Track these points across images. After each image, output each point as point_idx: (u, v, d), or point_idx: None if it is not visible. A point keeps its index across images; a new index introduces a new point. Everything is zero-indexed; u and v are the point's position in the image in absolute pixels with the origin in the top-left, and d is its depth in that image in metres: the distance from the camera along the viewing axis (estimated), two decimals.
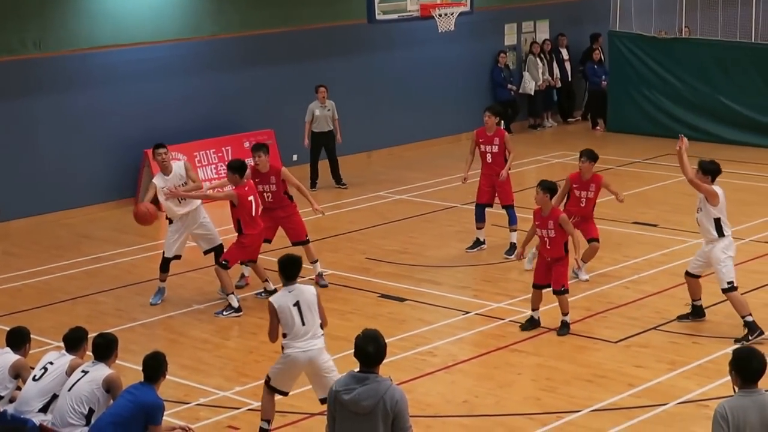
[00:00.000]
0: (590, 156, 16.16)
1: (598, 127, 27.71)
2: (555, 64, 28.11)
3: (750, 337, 13.69)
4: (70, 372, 10.56)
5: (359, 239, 18.80)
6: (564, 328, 14.15)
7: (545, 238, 14.13)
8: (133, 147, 21.15)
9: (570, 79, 28.45)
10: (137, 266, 17.66)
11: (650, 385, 12.60)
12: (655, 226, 18.74)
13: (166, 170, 15.70)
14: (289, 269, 11.03)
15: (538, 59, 27.62)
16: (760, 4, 26.74)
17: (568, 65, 28.40)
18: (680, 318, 14.54)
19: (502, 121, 18.34)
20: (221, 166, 21.79)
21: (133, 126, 21.24)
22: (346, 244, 18.56)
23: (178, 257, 15.96)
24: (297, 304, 10.94)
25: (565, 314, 14.18)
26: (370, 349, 8.12)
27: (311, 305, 11.02)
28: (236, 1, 22.46)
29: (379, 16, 18.62)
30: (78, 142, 20.77)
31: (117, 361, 10.80)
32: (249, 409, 12.24)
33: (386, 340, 8.31)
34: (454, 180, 22.54)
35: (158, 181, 15.66)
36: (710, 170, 13.76)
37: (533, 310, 14.36)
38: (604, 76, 27.62)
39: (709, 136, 25.17)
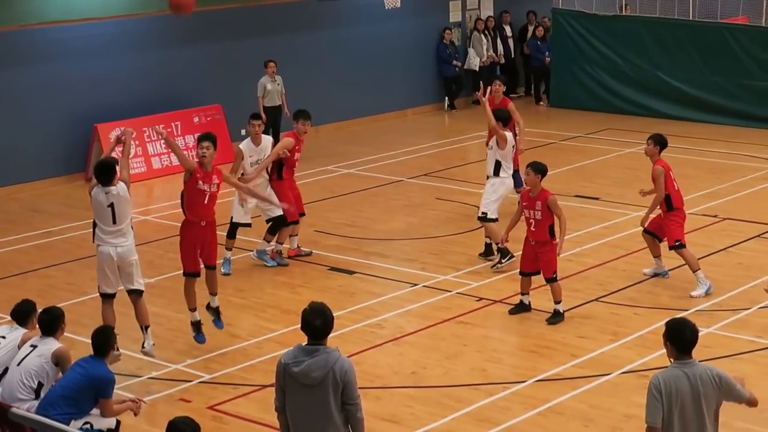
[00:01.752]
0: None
1: (541, 102, 28.13)
2: (499, 41, 28.45)
3: (503, 261, 15.67)
4: (21, 345, 10.60)
5: (308, 213, 18.90)
6: (557, 317, 13.96)
7: (531, 220, 13.99)
8: (82, 122, 21.27)
9: (513, 55, 28.82)
10: (87, 240, 17.48)
11: (593, 356, 12.95)
12: (596, 199, 19.15)
13: (256, 141, 16.15)
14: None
15: (482, 36, 27.95)
16: None
17: (511, 42, 28.77)
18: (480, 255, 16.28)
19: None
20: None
21: (83, 101, 21.34)
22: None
23: (248, 225, 16.27)
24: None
25: (557, 302, 14.01)
26: (317, 323, 8.28)
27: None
28: None
29: None
30: (27, 118, 20.85)
31: (69, 335, 10.90)
32: (201, 382, 12.47)
33: (336, 313, 8.56)
34: (400, 154, 22.91)
35: (245, 148, 16.06)
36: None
37: (522, 294, 14.30)
38: (547, 53, 28.02)
39: (649, 111, 25.68)
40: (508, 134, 15.98)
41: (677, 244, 14.88)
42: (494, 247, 16.04)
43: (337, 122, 25.37)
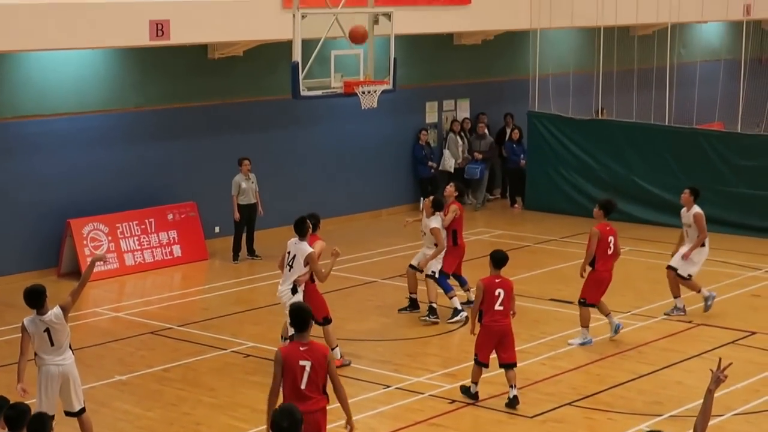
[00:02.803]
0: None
1: (516, 205, 28.21)
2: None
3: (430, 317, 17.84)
4: None
5: (280, 312, 18.79)
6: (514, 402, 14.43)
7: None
8: (55, 217, 21.18)
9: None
10: None
11: None
12: (570, 303, 19.08)
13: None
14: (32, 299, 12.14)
15: (458, 137, 28.09)
16: (674, 87, 27.52)
17: None
18: (400, 310, 18.40)
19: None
20: (144, 238, 21.89)
21: (56, 196, 21.27)
22: (268, 316, 18.67)
23: None
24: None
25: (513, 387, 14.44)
26: (284, 424, 8.21)
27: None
28: (161, 73, 22.65)
29: (303, 92, 18.79)
30: (0, 211, 20.74)
31: None
32: None
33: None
34: (375, 255, 22.85)
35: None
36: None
37: (476, 382, 14.72)
38: (522, 155, 28.17)
39: (624, 215, 25.67)
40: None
41: (582, 301, 16.88)
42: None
43: None
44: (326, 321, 15.98)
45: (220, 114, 23.62)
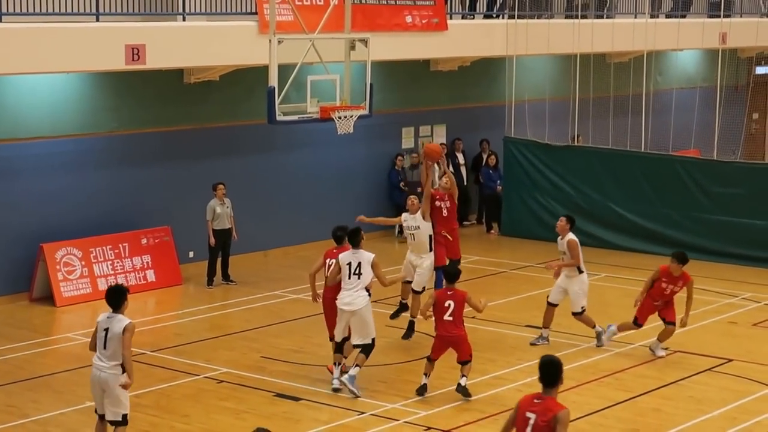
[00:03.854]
0: (679, 258, 17.48)
1: (492, 231, 28.15)
2: (451, 168, 28.52)
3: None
4: None
5: (254, 338, 18.79)
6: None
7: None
8: (28, 241, 20.98)
9: (465, 183, 28.88)
10: (30, 362, 17.42)
11: None
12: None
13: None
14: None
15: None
16: (650, 114, 27.57)
17: (463, 169, 28.86)
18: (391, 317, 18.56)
19: None
20: (117, 262, 21.72)
21: (30, 220, 21.08)
22: (242, 342, 18.52)
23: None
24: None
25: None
26: None
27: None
28: (136, 98, 22.53)
29: (279, 117, 18.73)
30: None
31: None
32: None
33: None
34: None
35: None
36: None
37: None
38: (498, 181, 28.14)
39: (600, 242, 25.70)
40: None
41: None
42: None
43: (286, 247, 25.21)
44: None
45: (195, 139, 23.49)
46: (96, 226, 21.76)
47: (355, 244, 16.14)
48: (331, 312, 16.23)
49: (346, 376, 15.76)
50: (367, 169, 26.89)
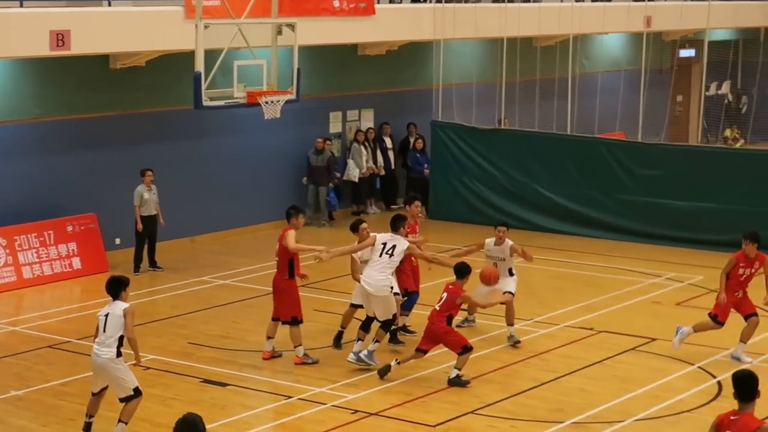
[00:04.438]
0: (752, 237, 16.88)
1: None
2: (379, 152, 28.61)
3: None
4: None
5: (182, 324, 18.74)
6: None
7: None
8: None
9: (393, 166, 28.97)
10: None
11: None
12: (475, 311, 19.13)
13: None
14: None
15: (362, 147, 28.07)
16: (576, 97, 27.81)
17: (391, 153, 28.94)
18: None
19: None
20: (42, 250, 21.53)
21: None
22: (169, 329, 18.47)
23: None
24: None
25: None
26: None
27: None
28: (61, 84, 22.30)
29: (206, 103, 18.69)
30: None
31: None
32: None
33: (208, 426, 8.34)
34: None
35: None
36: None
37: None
38: (426, 165, 28.24)
39: (527, 224, 25.90)
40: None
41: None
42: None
43: (214, 232, 25.14)
44: (295, 321, 16.31)
45: (122, 125, 23.33)
46: (21, 214, 21.55)
47: (394, 229, 16.41)
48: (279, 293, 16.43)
49: (365, 351, 16.14)
50: (294, 153, 26.83)
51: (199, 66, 18.32)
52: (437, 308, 15.61)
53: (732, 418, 9.16)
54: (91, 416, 13.48)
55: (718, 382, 15.78)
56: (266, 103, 19.58)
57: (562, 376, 15.95)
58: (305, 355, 16.42)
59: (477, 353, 16.75)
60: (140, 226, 21.96)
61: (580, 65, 31.34)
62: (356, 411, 14.56)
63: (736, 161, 24.94)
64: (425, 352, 15.72)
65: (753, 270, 16.93)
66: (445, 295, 15.61)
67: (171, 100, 23.84)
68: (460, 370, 15.53)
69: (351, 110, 28.53)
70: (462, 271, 15.73)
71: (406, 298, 17.31)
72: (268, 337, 16.69)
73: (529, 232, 25.17)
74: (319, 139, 26.79)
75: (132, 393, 13.16)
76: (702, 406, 14.85)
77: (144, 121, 23.66)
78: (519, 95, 29.04)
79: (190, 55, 18.88)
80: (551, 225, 25.90)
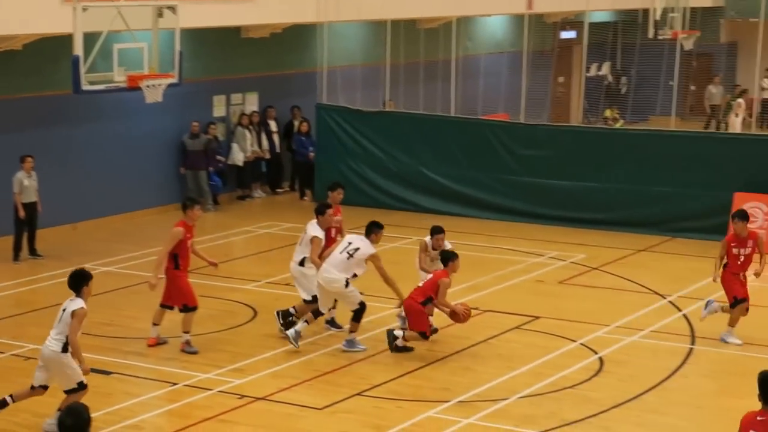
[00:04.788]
0: (741, 216, 16.84)
1: (305, 197, 28.21)
2: (263, 136, 28.48)
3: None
4: None
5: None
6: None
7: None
8: None
9: (278, 150, 28.86)
10: None
11: None
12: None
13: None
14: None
15: (246, 131, 27.91)
16: (459, 80, 27.98)
17: (276, 137, 28.83)
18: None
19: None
20: None
21: None
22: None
23: None
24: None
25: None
26: (68, 422, 8.03)
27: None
28: None
29: (85, 87, 18.43)
30: None
31: None
32: None
33: (93, 414, 8.23)
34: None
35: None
36: None
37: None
38: (311, 148, 28.19)
39: (413, 205, 26.04)
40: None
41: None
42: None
43: (96, 219, 24.81)
44: (185, 308, 16.22)
45: None
46: None
47: (367, 234, 16.61)
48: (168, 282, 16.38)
49: (344, 341, 16.40)
50: (178, 138, 26.58)
51: (78, 50, 18.06)
52: (420, 286, 16.09)
53: (759, 419, 9.05)
54: (13, 400, 13.32)
55: (600, 358, 16.06)
56: (148, 87, 19.40)
57: (448, 356, 16.08)
58: (186, 342, 16.24)
59: (363, 334, 16.79)
60: (22, 213, 21.55)
61: (464, 47, 31.55)
62: (243, 396, 14.50)
63: (616, 141, 25.33)
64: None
65: (749, 249, 16.80)
66: (430, 276, 16.08)
67: (50, 85, 23.43)
68: (407, 341, 16.07)
69: (235, 94, 28.34)
70: (447, 257, 16.13)
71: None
72: (154, 324, 16.55)
73: (415, 213, 25.30)
74: (195, 123, 26.53)
75: (76, 386, 12.93)
76: (584, 381, 15.10)
77: (22, 107, 23.22)
78: (403, 77, 29.16)
79: (68, 39, 18.60)
80: (437, 206, 26.04)
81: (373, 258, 16.27)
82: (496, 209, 25.69)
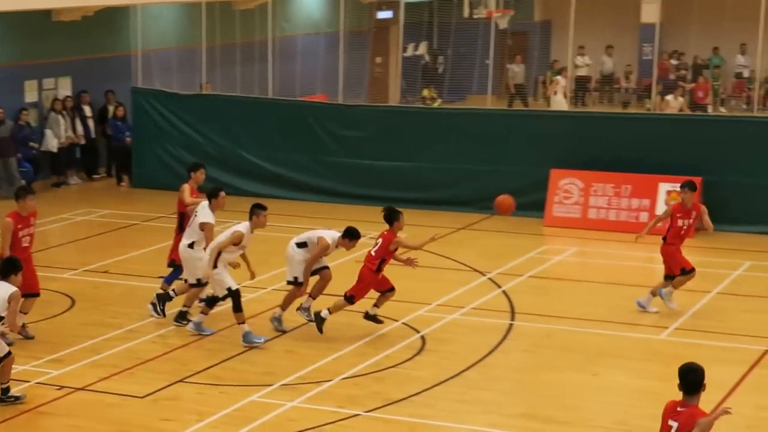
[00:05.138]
0: (691, 186, 16.98)
1: (122, 183, 27.77)
2: (78, 121, 27.90)
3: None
4: None
5: None
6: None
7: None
8: None
9: (93, 135, 28.31)
10: None
11: None
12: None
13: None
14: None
15: (60, 116, 27.29)
16: (277, 62, 27.87)
17: (91, 122, 28.26)
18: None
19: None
20: None
21: None
22: None
23: None
24: None
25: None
26: None
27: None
28: None
29: None
30: None
31: None
32: None
33: None
34: None
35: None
36: None
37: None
38: (127, 132, 27.74)
39: (233, 189, 25.69)
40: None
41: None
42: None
43: None
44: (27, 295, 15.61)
45: None
46: None
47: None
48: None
49: (191, 322, 16.41)
50: None
51: None
52: (372, 253, 16.18)
53: (679, 409, 9.19)
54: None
55: (422, 337, 16.24)
56: None
57: (271, 339, 16.05)
58: (23, 326, 15.81)
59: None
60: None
61: (281, 28, 31.41)
62: (62, 387, 14.23)
63: (434, 120, 25.60)
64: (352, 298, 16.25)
65: (691, 220, 17.07)
66: (380, 240, 16.17)
67: None
68: (331, 313, 16.19)
69: (47, 78, 27.65)
70: (391, 216, 16.24)
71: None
72: None
73: (235, 197, 25.01)
74: None
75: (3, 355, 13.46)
76: (407, 360, 15.26)
77: None
78: (220, 60, 28.93)
79: None
80: (256, 189, 25.84)
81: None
82: (317, 191, 25.72)
